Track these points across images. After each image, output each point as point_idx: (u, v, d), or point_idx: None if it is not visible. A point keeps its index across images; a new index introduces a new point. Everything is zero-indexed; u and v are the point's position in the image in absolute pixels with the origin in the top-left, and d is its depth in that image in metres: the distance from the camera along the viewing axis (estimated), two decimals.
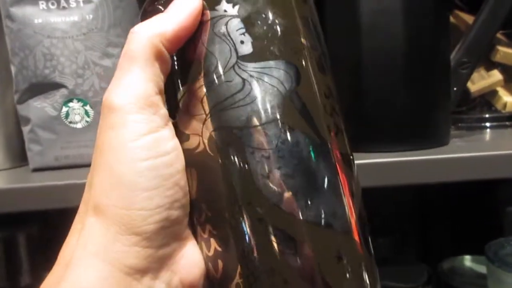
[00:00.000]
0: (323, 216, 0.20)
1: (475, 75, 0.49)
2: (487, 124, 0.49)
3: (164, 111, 0.21)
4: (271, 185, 0.20)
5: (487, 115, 0.49)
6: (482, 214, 0.63)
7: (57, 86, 0.39)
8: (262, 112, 0.20)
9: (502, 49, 0.48)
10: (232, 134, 0.20)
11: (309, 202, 0.20)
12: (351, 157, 0.23)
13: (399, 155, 0.36)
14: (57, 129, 0.39)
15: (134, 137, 0.19)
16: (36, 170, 0.40)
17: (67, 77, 0.38)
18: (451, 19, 0.50)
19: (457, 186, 0.63)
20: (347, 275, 0.21)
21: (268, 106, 0.20)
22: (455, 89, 0.40)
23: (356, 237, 0.21)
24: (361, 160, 0.35)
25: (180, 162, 0.21)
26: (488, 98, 0.50)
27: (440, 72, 0.40)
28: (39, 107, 0.39)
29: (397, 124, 0.38)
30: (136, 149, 0.19)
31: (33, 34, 0.38)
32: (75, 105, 0.39)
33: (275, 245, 0.20)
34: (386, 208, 0.68)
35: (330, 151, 0.21)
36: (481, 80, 0.49)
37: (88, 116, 0.39)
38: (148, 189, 0.19)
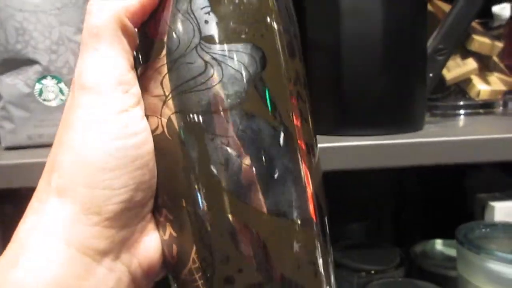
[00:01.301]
0: (281, 207, 0.20)
1: (451, 63, 0.50)
2: (461, 111, 0.50)
3: (136, 88, 0.20)
4: (229, 173, 0.19)
5: (461, 103, 0.50)
6: (454, 200, 0.65)
7: (30, 62, 0.38)
8: (224, 98, 0.19)
9: (477, 38, 0.49)
10: (192, 119, 0.20)
11: (267, 193, 0.20)
12: (315, 145, 0.22)
13: (374, 139, 0.36)
14: (30, 106, 0.38)
15: (104, 117, 0.19)
16: (8, 148, 0.39)
17: (40, 52, 0.37)
18: (429, 7, 0.51)
19: (430, 173, 0.64)
20: (302, 267, 0.20)
21: (230, 92, 0.19)
22: (431, 75, 0.41)
23: (314, 229, 0.21)
24: (336, 143, 0.35)
25: (150, 143, 0.20)
26: (462, 86, 0.51)
27: (417, 58, 0.40)
28: (11, 84, 0.38)
29: (373, 108, 0.38)
30: (105, 129, 0.19)
31: (3, 7, 0.36)
32: (49, 82, 0.38)
33: (231, 234, 0.19)
34: (361, 194, 0.69)
35: (293, 140, 0.20)
36: (456, 68, 0.50)
37: (63, 94, 0.38)
38: (115, 169, 0.19)
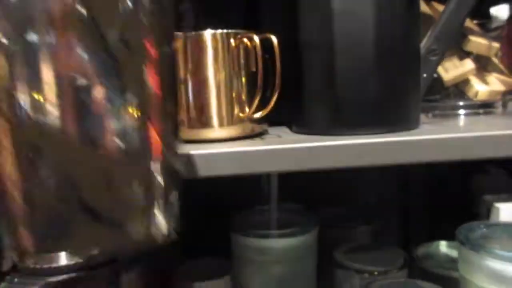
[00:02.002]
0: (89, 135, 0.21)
1: (448, 64, 0.50)
2: (460, 112, 0.51)
3: None
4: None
5: (460, 103, 0.51)
6: (460, 202, 0.65)
7: None
8: None
9: (474, 39, 0.49)
10: None
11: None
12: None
13: (367, 137, 0.37)
14: None
15: None
16: None
17: None
18: (427, 9, 0.51)
19: (435, 175, 0.64)
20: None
21: None
22: (425, 75, 0.42)
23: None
24: (330, 142, 0.36)
25: None
26: (461, 87, 0.51)
27: (410, 59, 0.41)
28: None
29: (366, 108, 0.39)
30: None
31: None
32: None
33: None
34: (366, 197, 0.69)
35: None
36: (454, 69, 0.50)
37: None
38: None
